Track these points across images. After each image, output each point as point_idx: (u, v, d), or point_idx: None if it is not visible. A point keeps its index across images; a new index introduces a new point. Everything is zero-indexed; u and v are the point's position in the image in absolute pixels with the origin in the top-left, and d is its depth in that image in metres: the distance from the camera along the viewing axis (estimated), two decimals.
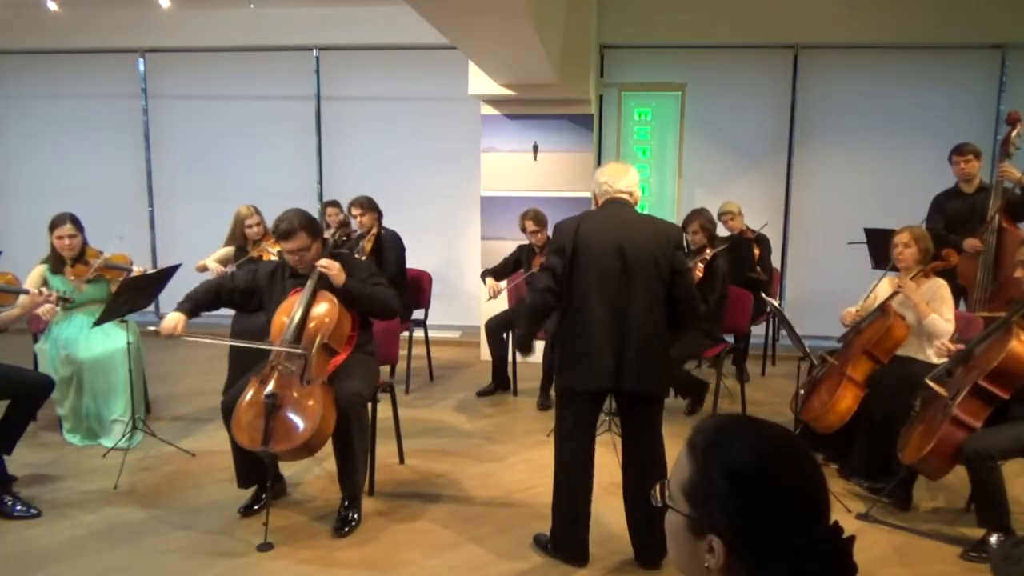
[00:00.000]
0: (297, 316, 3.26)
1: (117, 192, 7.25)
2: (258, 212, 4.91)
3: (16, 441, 3.54)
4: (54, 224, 4.20)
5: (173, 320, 3.33)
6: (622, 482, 3.04)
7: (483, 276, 5.35)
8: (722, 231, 5.74)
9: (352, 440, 3.21)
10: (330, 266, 3.32)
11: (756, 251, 5.65)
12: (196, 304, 3.45)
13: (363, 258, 4.98)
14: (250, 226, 4.87)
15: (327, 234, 3.63)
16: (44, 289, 3.81)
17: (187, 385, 5.46)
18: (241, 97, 7.33)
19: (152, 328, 3.42)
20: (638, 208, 3.06)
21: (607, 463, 3.14)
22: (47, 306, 3.71)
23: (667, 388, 3.08)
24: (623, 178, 2.99)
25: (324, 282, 3.35)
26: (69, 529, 3.25)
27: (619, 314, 2.84)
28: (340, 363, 3.36)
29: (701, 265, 4.62)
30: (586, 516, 2.98)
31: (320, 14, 6.96)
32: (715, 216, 5.69)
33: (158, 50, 7.30)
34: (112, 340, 4.14)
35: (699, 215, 4.93)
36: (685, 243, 4.77)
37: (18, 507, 3.34)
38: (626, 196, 2.98)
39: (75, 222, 4.22)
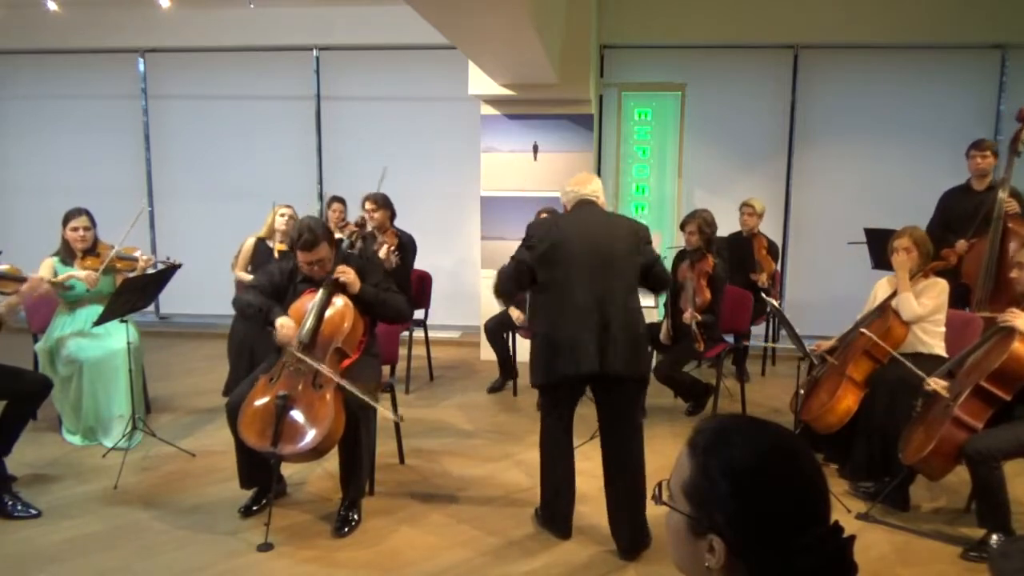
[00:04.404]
0: (311, 320, 3.25)
1: (117, 192, 7.23)
2: (292, 208, 5.03)
3: (14, 441, 3.54)
4: (68, 216, 4.25)
5: (291, 326, 3.24)
6: (604, 473, 3.13)
7: (506, 305, 5.21)
8: (730, 227, 5.73)
9: (359, 441, 3.21)
10: (346, 271, 3.32)
11: (765, 254, 5.62)
12: (281, 309, 3.35)
13: (387, 260, 4.94)
14: (283, 215, 4.94)
15: (340, 234, 3.61)
16: (44, 276, 3.79)
17: (187, 385, 5.46)
18: (241, 97, 7.33)
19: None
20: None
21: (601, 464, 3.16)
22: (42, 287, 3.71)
23: (647, 371, 3.25)
24: (588, 184, 3.21)
25: (339, 285, 3.34)
26: (69, 529, 3.25)
27: (600, 304, 3.00)
28: (348, 365, 3.35)
29: (703, 282, 4.60)
30: (568, 492, 3.18)
31: (320, 14, 6.96)
32: (737, 208, 5.71)
33: (158, 50, 7.30)
34: (112, 340, 4.14)
35: (697, 216, 4.79)
36: (683, 243, 4.88)
37: (18, 507, 3.34)
38: (592, 198, 3.19)
39: (90, 216, 4.29)
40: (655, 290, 3.37)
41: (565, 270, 3.02)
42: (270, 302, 3.35)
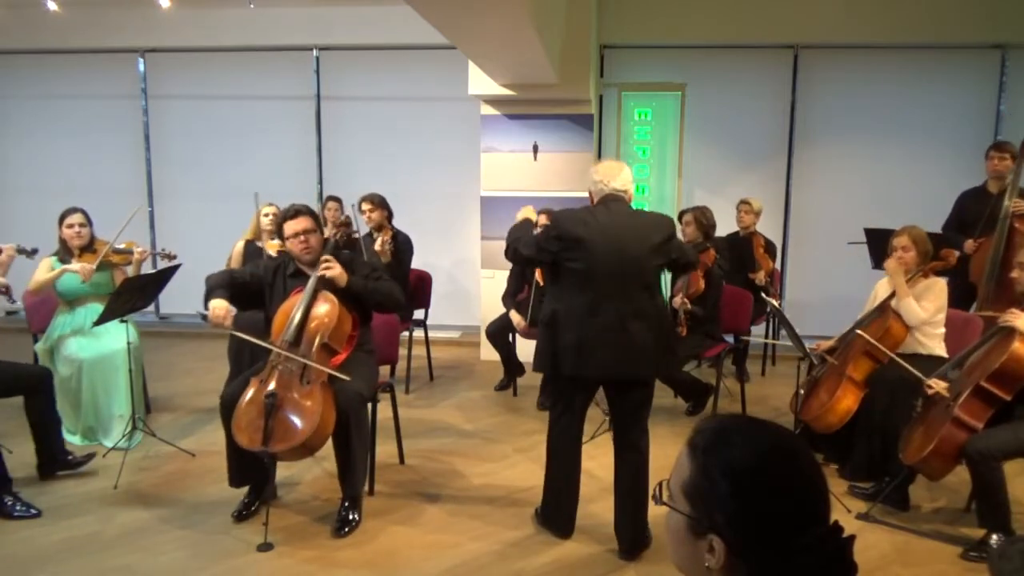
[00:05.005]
0: (297, 316, 3.26)
1: (117, 192, 7.24)
2: (276, 206, 4.99)
3: (56, 438, 3.69)
4: (64, 215, 4.30)
5: (221, 307, 3.23)
6: (614, 473, 3.14)
7: (508, 308, 5.25)
8: (730, 226, 5.73)
9: (351, 439, 3.21)
10: (332, 265, 3.32)
11: (763, 252, 5.63)
12: (229, 292, 3.35)
13: (383, 252, 5.01)
14: (267, 214, 4.93)
15: (327, 232, 3.63)
16: (12, 244, 3.80)
17: (187, 385, 5.46)
18: (241, 97, 7.33)
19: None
20: (633, 206, 3.21)
21: (608, 464, 3.16)
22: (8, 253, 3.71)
23: (663, 371, 3.29)
24: (617, 176, 3.11)
25: (326, 282, 3.35)
26: (69, 529, 3.25)
27: (619, 306, 2.96)
28: (340, 362, 3.35)
29: (700, 272, 4.66)
30: (572, 492, 3.20)
31: (320, 14, 6.96)
32: (734, 206, 5.72)
33: (158, 50, 7.30)
34: (112, 340, 4.14)
35: (694, 209, 4.96)
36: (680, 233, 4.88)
37: (18, 507, 3.34)
38: (621, 193, 3.11)
39: (85, 214, 4.34)
40: (681, 271, 3.49)
41: (587, 269, 2.98)
42: (220, 284, 3.34)
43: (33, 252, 3.90)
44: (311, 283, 3.33)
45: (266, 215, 4.95)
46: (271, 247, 4.88)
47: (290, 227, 3.39)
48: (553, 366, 3.06)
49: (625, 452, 3.11)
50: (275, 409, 3.06)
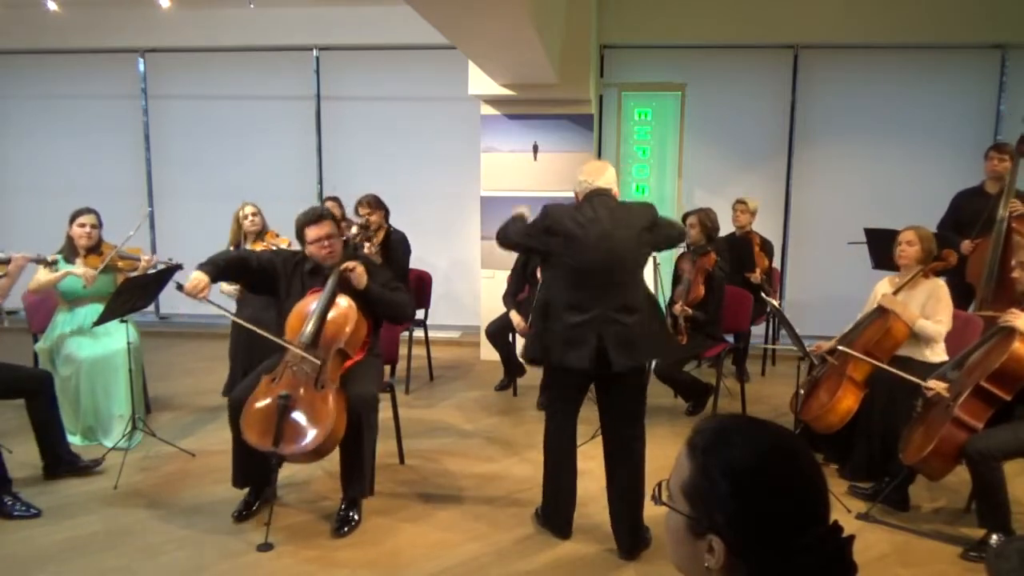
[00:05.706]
0: (315, 320, 3.24)
1: (117, 192, 7.24)
2: (255, 205, 4.95)
3: (59, 439, 3.68)
4: (77, 213, 4.31)
5: (200, 281, 3.17)
6: (605, 471, 3.14)
7: (508, 308, 5.23)
8: (727, 224, 5.74)
9: (361, 442, 3.21)
10: (355, 266, 3.32)
11: (759, 251, 5.64)
12: (219, 270, 3.31)
13: (372, 254, 5.01)
14: (247, 216, 4.90)
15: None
16: (26, 254, 3.79)
17: (187, 385, 5.46)
18: (241, 97, 7.33)
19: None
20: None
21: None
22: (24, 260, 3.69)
23: (658, 357, 3.32)
24: (602, 175, 3.17)
25: (344, 285, 3.34)
26: (69, 529, 3.25)
27: (610, 299, 2.99)
28: (351, 366, 3.35)
29: (700, 278, 4.66)
30: (570, 493, 3.20)
31: (320, 14, 6.96)
32: (730, 206, 5.72)
33: (158, 50, 7.30)
34: (112, 340, 4.14)
35: (699, 211, 4.95)
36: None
37: (18, 507, 3.34)
38: (606, 190, 3.17)
39: (98, 216, 4.36)
40: (670, 247, 3.48)
41: (576, 265, 3.01)
42: (215, 260, 3.31)
43: (53, 263, 3.90)
44: (330, 284, 3.30)
45: (245, 216, 4.90)
46: (256, 246, 4.84)
47: (312, 232, 3.32)
48: (542, 353, 3.09)
49: (620, 458, 3.08)
50: (287, 410, 3.06)
